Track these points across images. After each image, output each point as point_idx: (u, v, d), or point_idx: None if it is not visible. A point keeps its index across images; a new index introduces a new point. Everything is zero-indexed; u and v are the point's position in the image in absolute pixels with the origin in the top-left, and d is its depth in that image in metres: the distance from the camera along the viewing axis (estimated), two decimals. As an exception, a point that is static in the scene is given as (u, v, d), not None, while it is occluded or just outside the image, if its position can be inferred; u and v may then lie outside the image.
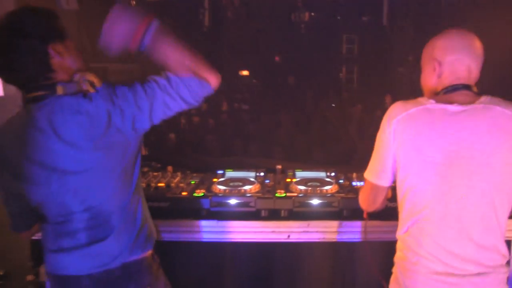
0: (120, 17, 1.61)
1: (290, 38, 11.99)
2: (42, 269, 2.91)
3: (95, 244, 1.73)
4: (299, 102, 9.28)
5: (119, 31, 1.60)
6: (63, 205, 1.71)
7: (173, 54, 1.70)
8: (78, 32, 7.94)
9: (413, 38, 10.54)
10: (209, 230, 2.36)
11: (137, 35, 1.61)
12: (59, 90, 1.65)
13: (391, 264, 1.92)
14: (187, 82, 1.71)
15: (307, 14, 11.83)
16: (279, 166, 2.83)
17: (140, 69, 10.98)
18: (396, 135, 1.76)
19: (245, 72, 12.33)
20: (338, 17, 12.07)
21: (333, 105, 10.00)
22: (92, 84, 1.68)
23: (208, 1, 10.55)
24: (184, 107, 1.74)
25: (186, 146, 5.17)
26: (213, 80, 1.76)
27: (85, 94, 1.66)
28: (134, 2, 10.60)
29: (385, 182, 1.84)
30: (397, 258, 1.87)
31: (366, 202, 1.96)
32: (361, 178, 2.64)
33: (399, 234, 1.86)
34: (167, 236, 2.36)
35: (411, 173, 1.75)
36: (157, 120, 1.72)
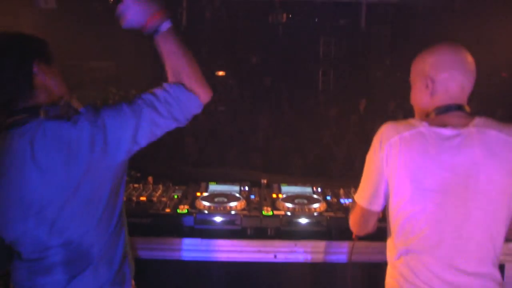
0: None
1: (267, 39, 11.97)
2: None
3: (72, 279, 1.60)
4: (276, 104, 9.26)
5: (136, 8, 1.63)
6: (39, 241, 1.58)
7: (177, 54, 1.67)
8: (55, 30, 7.74)
9: (391, 42, 10.68)
10: (192, 249, 2.28)
11: (153, 19, 1.63)
12: (42, 113, 1.56)
13: (378, 285, 1.86)
14: (176, 95, 1.63)
15: (284, 15, 11.82)
16: (264, 180, 2.76)
17: (115, 67, 10.76)
18: (389, 160, 1.69)
19: (221, 73, 12.25)
20: (316, 19, 12.13)
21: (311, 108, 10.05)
22: (76, 110, 1.61)
23: (186, 1, 10.43)
24: (172, 124, 1.65)
25: (163, 150, 5.07)
26: (204, 95, 1.69)
27: (68, 118, 1.55)
28: (112, 0, 10.39)
29: (377, 207, 1.78)
30: (388, 285, 1.81)
31: (358, 227, 1.88)
32: (348, 195, 2.60)
33: (391, 261, 1.81)
34: (148, 254, 2.26)
35: (405, 200, 1.68)
36: (144, 141, 1.61)
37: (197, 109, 1.69)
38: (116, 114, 1.57)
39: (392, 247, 1.78)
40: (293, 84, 10.72)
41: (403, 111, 7.30)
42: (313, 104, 9.47)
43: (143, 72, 10.78)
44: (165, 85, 1.65)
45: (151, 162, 3.96)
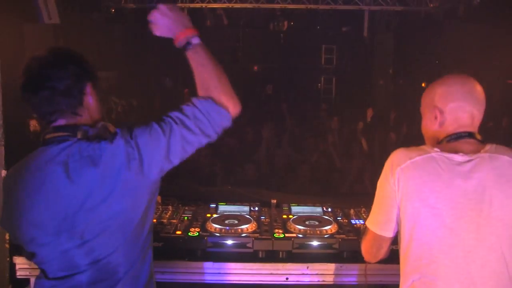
0: (174, 11, 1.74)
1: (268, 47, 11.99)
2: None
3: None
4: (278, 113, 9.26)
5: (165, 22, 1.74)
6: (69, 258, 1.60)
7: (206, 67, 1.71)
8: (56, 42, 7.74)
9: (394, 50, 10.68)
10: (204, 272, 2.27)
11: (182, 34, 1.72)
12: (80, 134, 1.61)
13: None
14: (205, 110, 1.64)
15: (285, 23, 11.86)
16: (274, 201, 2.76)
17: (116, 76, 10.78)
18: (400, 185, 1.69)
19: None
20: (318, 27, 12.16)
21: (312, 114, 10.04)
22: (111, 133, 1.65)
23: (187, 10, 10.45)
24: (204, 140, 1.65)
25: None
26: (233, 108, 1.69)
27: (104, 139, 1.59)
28: (114, 10, 10.41)
29: (390, 233, 1.78)
30: None
31: (371, 254, 1.88)
32: (359, 215, 2.60)
33: (403, 285, 1.80)
34: (160, 278, 2.24)
35: (417, 225, 1.68)
36: (176, 159, 1.61)
37: (227, 123, 1.69)
38: (147, 134, 1.58)
39: (405, 273, 1.77)
40: (295, 92, 10.73)
41: (406, 120, 7.32)
42: (315, 113, 9.47)
43: (143, 81, 10.82)
44: (194, 100, 1.66)
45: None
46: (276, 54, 11.75)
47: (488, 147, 1.71)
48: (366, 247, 1.88)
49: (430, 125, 1.82)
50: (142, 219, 1.65)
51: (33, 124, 6.05)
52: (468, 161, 1.66)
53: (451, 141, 1.74)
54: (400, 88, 9.48)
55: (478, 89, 1.75)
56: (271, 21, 11.55)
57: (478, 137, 1.75)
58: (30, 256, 1.68)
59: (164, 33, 1.75)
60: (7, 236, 2.59)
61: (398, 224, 1.75)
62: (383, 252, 1.84)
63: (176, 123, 1.61)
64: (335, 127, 7.61)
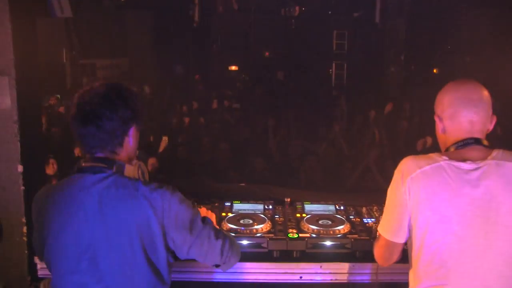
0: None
1: (279, 33, 11.93)
2: (42, 285, 2.88)
3: None
4: (289, 100, 9.27)
5: None
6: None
7: None
8: (67, 31, 7.79)
9: (406, 37, 10.58)
10: (219, 271, 2.32)
11: None
12: (115, 168, 1.69)
13: None
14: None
15: (297, 8, 11.78)
16: (287, 199, 2.81)
17: (127, 64, 10.83)
18: (411, 193, 1.74)
19: (234, 67, 12.28)
20: (329, 12, 12.06)
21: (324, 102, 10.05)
22: (143, 175, 1.83)
23: (198, -2, 10.43)
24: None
25: (180, 162, 5.11)
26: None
27: (136, 181, 1.69)
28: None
29: (402, 239, 1.84)
30: None
31: (383, 259, 1.94)
32: (370, 214, 2.65)
33: None
34: (179, 277, 2.31)
35: (427, 232, 1.73)
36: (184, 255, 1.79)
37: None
38: (187, 226, 1.73)
39: (414, 279, 1.82)
40: (306, 78, 10.69)
41: (418, 110, 7.29)
42: (326, 100, 9.46)
43: (154, 67, 10.88)
44: (227, 242, 1.84)
45: (172, 176, 4.02)
46: (287, 39, 11.71)
47: (495, 153, 1.74)
48: (379, 253, 1.94)
49: (437, 132, 1.88)
50: (162, 269, 1.74)
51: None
52: (476, 169, 1.71)
53: (459, 148, 1.78)
54: (412, 75, 9.42)
55: (478, 91, 1.78)
56: (282, 6, 11.47)
57: (485, 143, 1.78)
58: (52, 279, 1.74)
59: None
60: (24, 230, 2.67)
61: (410, 230, 1.81)
62: (395, 257, 1.90)
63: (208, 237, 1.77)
64: (348, 115, 7.61)
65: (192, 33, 10.90)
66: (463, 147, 1.77)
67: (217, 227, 1.91)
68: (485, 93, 1.78)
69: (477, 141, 1.77)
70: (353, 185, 4.47)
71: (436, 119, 1.84)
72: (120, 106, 1.69)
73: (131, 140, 1.75)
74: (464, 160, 1.73)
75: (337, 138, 6.08)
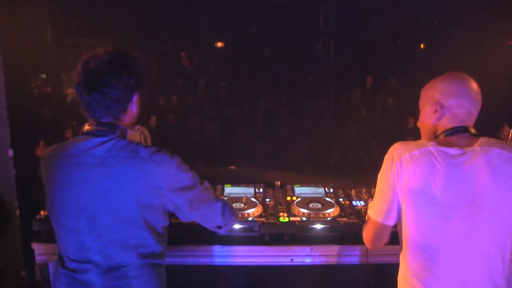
0: None
1: (265, 8, 11.79)
2: (37, 268, 2.92)
3: None
4: (276, 77, 9.24)
5: None
6: (82, 249, 1.74)
7: None
8: (51, 11, 7.64)
9: (393, 13, 10.54)
10: (213, 255, 2.39)
11: None
12: (118, 132, 1.75)
13: (391, 285, 1.99)
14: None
15: (283, -17, 11.60)
16: (278, 182, 2.85)
17: (112, 42, 10.67)
18: (400, 176, 1.81)
19: (220, 44, 12.16)
20: (315, -13, 11.92)
21: (310, 78, 10.06)
22: (145, 140, 1.87)
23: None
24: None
25: (170, 144, 5.11)
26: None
27: (136, 144, 1.75)
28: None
29: (391, 222, 1.90)
30: None
31: (371, 242, 2.00)
32: (359, 196, 2.70)
33: (403, 272, 1.93)
34: (172, 261, 2.35)
35: (415, 214, 1.80)
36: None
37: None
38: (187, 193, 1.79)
39: (404, 260, 1.90)
40: (293, 54, 10.64)
41: (404, 84, 7.33)
42: (313, 77, 9.46)
43: (140, 46, 10.73)
44: (226, 204, 1.91)
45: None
46: (273, 15, 11.58)
47: (480, 140, 1.82)
48: (368, 236, 1.99)
49: (428, 119, 1.92)
50: (159, 226, 1.80)
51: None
52: (462, 154, 1.78)
53: (447, 136, 1.85)
54: (398, 50, 9.44)
55: (476, 89, 1.86)
56: (268, -19, 11.31)
57: (473, 131, 1.86)
58: (55, 235, 1.82)
59: None
60: (17, 213, 2.70)
61: (399, 213, 1.87)
62: (384, 240, 1.96)
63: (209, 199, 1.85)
64: (335, 92, 7.63)
65: (177, 10, 10.75)
66: (452, 135, 1.84)
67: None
68: (479, 89, 1.88)
69: (465, 129, 1.84)
70: (335, 163, 4.53)
71: (436, 106, 1.87)
72: (125, 74, 1.73)
73: (134, 107, 1.80)
74: (451, 146, 1.80)
75: (324, 115, 6.11)
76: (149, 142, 1.99)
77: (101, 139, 1.72)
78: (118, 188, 1.68)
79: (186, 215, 1.81)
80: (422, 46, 10.16)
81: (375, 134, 5.56)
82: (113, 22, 10.01)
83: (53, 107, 5.66)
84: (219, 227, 1.91)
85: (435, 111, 1.88)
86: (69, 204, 1.71)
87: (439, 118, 1.88)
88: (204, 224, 1.89)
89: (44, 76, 7.31)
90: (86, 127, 1.78)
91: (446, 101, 1.86)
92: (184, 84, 8.69)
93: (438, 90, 1.88)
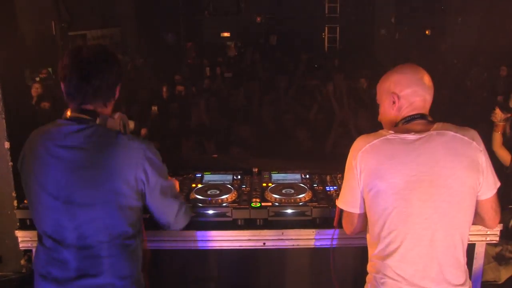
0: None
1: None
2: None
3: (84, 279, 1.83)
4: (281, 66, 9.26)
5: None
6: (58, 227, 1.84)
7: None
8: (55, 3, 7.74)
9: (396, -1, 10.46)
10: (188, 239, 2.46)
11: None
12: (98, 120, 1.86)
13: (359, 268, 2.05)
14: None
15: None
16: (255, 169, 2.92)
17: (119, 33, 10.77)
18: (361, 166, 1.90)
19: (226, 34, 12.20)
20: (320, -25, 11.86)
21: (316, 66, 10.04)
22: (125, 127, 1.98)
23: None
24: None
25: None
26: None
27: (120, 131, 1.89)
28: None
29: (357, 210, 1.99)
30: (368, 279, 2.02)
31: (346, 229, 2.11)
32: (334, 182, 2.76)
33: (370, 254, 2.01)
34: (148, 246, 2.45)
35: (378, 199, 1.88)
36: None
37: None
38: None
39: (371, 244, 2.00)
40: (299, 42, 10.63)
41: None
42: (319, 63, 9.44)
43: (146, 38, 10.83)
44: (183, 206, 2.05)
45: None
46: (279, 3, 11.58)
47: (436, 125, 1.91)
48: (343, 223, 2.12)
49: (388, 111, 2.02)
50: (134, 209, 1.91)
51: (36, 87, 6.23)
52: (419, 138, 1.86)
53: (405, 123, 1.94)
54: (403, 37, 9.36)
55: (427, 77, 1.97)
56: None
57: (429, 118, 1.95)
58: (33, 213, 1.92)
59: None
60: (15, 203, 2.80)
61: (364, 200, 1.96)
62: (357, 227, 2.06)
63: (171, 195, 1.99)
64: (339, 81, 7.57)
65: (182, 0, 10.81)
66: (409, 122, 1.94)
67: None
68: (430, 77, 1.98)
69: (422, 116, 1.94)
70: (330, 150, 4.56)
71: (394, 97, 1.96)
72: (115, 62, 1.89)
73: (117, 94, 1.94)
74: (408, 132, 1.89)
75: (330, 101, 6.06)
76: (128, 128, 2.08)
77: (82, 126, 1.83)
78: (96, 172, 1.79)
79: (145, 201, 1.91)
80: (427, 32, 10.06)
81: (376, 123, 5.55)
82: (119, 14, 10.11)
83: (54, 100, 5.79)
84: (168, 226, 2.03)
85: (393, 102, 1.97)
86: (49, 184, 1.82)
87: (398, 109, 1.96)
88: (156, 216, 2.00)
89: (50, 69, 7.44)
90: (68, 113, 1.89)
91: (401, 91, 1.95)
92: (190, 74, 8.77)
93: (393, 82, 1.97)
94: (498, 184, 1.95)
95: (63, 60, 1.85)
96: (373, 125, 2.20)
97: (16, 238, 2.70)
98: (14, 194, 2.78)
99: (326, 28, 11.34)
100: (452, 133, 1.87)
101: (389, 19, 9.39)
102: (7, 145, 2.77)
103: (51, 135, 1.85)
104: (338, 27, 11.17)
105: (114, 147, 1.81)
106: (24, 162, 1.90)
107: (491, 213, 1.97)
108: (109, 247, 1.84)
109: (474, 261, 2.52)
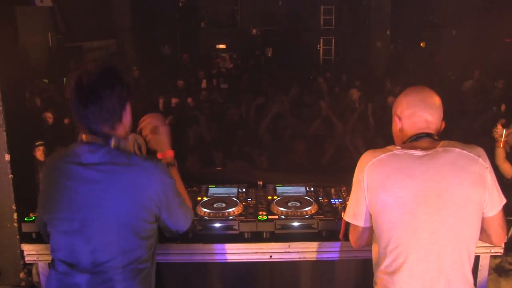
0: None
1: (267, 9, 11.86)
2: (34, 269, 3.02)
3: None
4: (277, 77, 9.30)
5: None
6: (72, 251, 1.84)
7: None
8: (52, 15, 7.76)
9: (392, 11, 10.56)
10: (195, 252, 2.47)
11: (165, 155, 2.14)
12: (113, 142, 1.86)
13: (365, 280, 2.05)
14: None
15: (284, -16, 11.66)
16: (260, 182, 2.93)
17: (115, 45, 10.80)
18: (368, 180, 1.94)
19: (222, 46, 12.25)
20: (316, -12, 11.97)
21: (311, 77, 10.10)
22: (139, 148, 2.02)
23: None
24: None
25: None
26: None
27: (134, 153, 1.93)
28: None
29: (362, 223, 2.02)
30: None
31: (353, 242, 2.13)
32: (339, 195, 2.78)
33: (375, 267, 2.02)
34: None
35: (384, 213, 1.91)
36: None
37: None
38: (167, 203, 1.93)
39: (377, 257, 2.01)
40: (294, 54, 10.69)
41: (403, 83, 7.35)
42: (315, 75, 9.50)
43: (142, 48, 10.86)
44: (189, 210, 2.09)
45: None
46: (275, 16, 11.66)
47: (442, 142, 1.95)
48: (350, 237, 2.13)
49: (395, 131, 2.10)
50: (148, 235, 1.92)
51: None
52: (426, 155, 1.90)
53: (412, 141, 1.99)
54: (398, 49, 9.46)
55: (433, 97, 2.01)
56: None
57: (435, 137, 2.00)
58: (47, 237, 1.94)
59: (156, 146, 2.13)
60: (15, 216, 2.79)
61: (370, 214, 1.98)
62: (363, 240, 2.08)
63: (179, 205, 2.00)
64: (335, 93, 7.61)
65: (178, 12, 10.87)
66: (416, 140, 1.98)
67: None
68: (438, 99, 2.02)
69: (428, 135, 1.98)
70: (329, 163, 4.58)
71: (396, 118, 2.05)
72: (117, 85, 1.85)
73: (127, 116, 1.92)
74: (415, 148, 1.93)
75: (327, 115, 6.10)
76: (143, 148, 2.12)
77: (93, 148, 1.84)
78: (111, 195, 1.81)
79: (164, 215, 1.93)
80: (422, 44, 10.17)
81: (374, 134, 5.61)
82: (115, 26, 10.13)
83: (54, 112, 5.79)
84: (176, 231, 2.05)
85: (397, 123, 2.05)
86: (64, 207, 1.83)
87: (401, 129, 2.04)
88: (167, 225, 2.00)
89: (46, 80, 7.44)
90: (83, 137, 1.89)
91: (402, 113, 2.03)
92: (185, 86, 8.80)
93: (398, 104, 2.06)
94: (504, 201, 1.97)
95: (69, 84, 1.87)
96: (368, 140, 2.26)
97: (16, 251, 2.69)
98: (14, 207, 2.78)
99: (322, 40, 11.43)
100: (458, 149, 1.91)
101: (385, 32, 9.50)
102: (7, 157, 2.77)
103: (67, 158, 1.87)
104: (333, 39, 11.26)
105: (127, 170, 1.83)
106: (42, 184, 1.94)
107: (498, 230, 1.99)
108: (123, 272, 1.85)
109: (479, 273, 2.55)
